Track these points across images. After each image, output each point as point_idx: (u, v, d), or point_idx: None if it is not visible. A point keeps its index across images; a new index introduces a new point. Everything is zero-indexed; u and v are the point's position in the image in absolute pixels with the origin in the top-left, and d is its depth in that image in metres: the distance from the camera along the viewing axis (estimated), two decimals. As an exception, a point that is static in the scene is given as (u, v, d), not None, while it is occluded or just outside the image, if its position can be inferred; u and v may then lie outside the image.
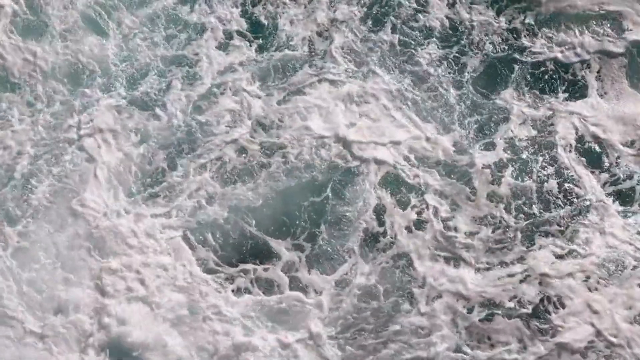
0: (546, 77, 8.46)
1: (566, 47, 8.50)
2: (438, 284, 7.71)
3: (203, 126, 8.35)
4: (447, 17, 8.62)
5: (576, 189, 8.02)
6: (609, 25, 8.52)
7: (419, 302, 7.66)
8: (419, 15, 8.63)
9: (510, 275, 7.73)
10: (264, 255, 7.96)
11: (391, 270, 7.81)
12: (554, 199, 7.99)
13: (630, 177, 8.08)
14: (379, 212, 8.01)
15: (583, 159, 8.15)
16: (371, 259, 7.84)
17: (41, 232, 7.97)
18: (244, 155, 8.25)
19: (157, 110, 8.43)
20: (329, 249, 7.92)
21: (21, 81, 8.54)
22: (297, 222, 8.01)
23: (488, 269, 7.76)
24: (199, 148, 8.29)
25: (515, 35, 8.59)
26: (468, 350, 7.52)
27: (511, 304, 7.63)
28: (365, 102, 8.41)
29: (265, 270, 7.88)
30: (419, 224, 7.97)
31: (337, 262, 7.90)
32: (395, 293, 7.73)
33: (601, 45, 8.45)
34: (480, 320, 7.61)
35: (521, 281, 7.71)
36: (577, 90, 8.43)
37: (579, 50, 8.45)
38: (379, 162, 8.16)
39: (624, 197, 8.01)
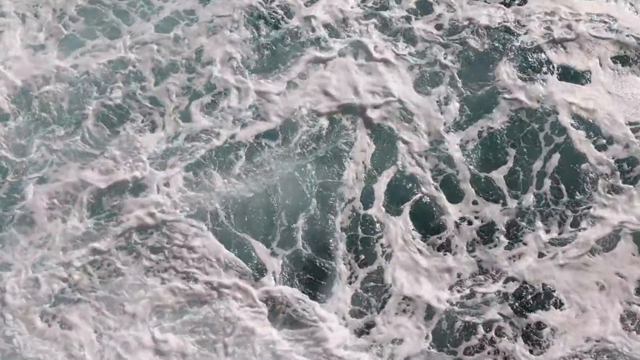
0: (543, 60, 8.33)
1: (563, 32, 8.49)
2: (413, 290, 7.32)
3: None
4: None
5: (578, 166, 7.82)
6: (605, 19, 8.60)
7: (391, 309, 7.28)
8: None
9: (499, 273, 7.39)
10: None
11: (372, 279, 7.45)
12: (555, 177, 7.76)
13: (627, 147, 7.91)
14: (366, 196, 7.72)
15: (582, 133, 7.95)
16: (356, 268, 7.45)
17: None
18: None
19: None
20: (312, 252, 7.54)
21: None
22: (277, 218, 7.66)
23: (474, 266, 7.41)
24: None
25: (509, 24, 8.60)
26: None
27: (495, 304, 7.25)
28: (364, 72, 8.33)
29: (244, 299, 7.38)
30: (407, 208, 7.66)
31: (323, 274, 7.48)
32: (372, 303, 7.36)
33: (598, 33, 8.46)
34: (457, 326, 7.18)
35: (511, 279, 7.36)
36: (576, 74, 8.30)
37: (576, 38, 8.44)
38: (371, 136, 7.98)
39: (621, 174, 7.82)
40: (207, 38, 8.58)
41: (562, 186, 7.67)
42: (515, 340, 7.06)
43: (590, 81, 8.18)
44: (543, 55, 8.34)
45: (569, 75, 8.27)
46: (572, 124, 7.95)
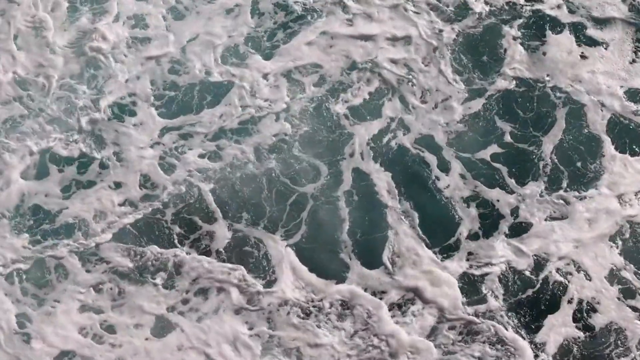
0: (553, 31, 8.30)
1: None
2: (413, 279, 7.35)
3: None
4: None
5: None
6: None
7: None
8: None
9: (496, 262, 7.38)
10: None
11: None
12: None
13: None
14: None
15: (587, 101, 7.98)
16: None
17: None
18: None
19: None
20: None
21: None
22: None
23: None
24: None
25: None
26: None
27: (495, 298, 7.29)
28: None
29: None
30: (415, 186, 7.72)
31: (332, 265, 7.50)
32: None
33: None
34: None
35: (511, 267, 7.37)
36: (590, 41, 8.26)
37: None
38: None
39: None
40: (203, 27, 8.44)
41: (564, 166, 7.69)
42: (515, 320, 7.18)
43: (606, 46, 8.17)
44: (552, 26, 8.30)
45: (581, 41, 8.23)
46: (575, 94, 7.97)
